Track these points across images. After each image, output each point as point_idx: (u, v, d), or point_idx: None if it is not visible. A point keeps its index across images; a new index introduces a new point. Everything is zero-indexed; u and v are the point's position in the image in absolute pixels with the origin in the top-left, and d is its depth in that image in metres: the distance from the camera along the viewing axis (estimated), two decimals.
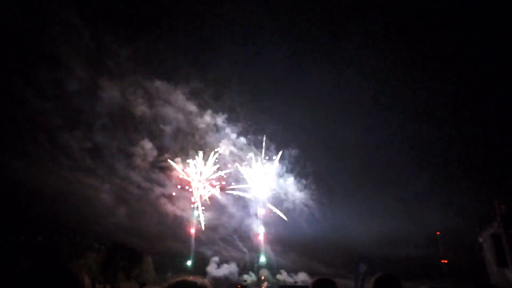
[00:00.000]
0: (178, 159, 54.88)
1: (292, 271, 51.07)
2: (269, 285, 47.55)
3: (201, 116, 56.47)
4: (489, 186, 46.62)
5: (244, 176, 55.68)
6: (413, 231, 51.64)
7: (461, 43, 54.48)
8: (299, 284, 43.69)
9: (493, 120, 53.47)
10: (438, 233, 48.78)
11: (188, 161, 54.93)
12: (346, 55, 62.10)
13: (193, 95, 56.52)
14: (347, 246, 51.32)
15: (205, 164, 55.05)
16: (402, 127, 61.29)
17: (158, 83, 55.42)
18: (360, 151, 61.87)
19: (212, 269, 49.85)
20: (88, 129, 54.26)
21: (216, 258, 52.47)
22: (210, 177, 54.99)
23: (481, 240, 30.00)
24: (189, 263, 52.12)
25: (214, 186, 54.73)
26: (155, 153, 55.10)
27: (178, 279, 1.75)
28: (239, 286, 40.55)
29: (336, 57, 62.30)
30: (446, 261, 43.27)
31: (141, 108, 55.33)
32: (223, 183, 55.21)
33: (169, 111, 56.14)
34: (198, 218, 53.83)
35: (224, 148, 55.70)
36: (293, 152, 56.85)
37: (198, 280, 1.72)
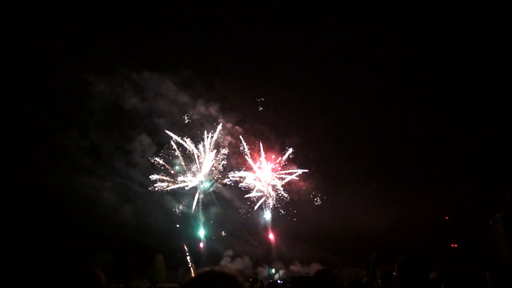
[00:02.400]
0: (177, 153, 54.07)
1: (304, 262, 50.98)
2: (283, 275, 47.73)
3: (194, 106, 55.20)
4: (497, 170, 46.43)
5: (246, 167, 54.90)
6: (421, 218, 51.59)
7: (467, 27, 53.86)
8: (312, 275, 43.85)
9: (499, 104, 53.02)
10: (446, 218, 48.78)
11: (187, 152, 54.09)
12: (346, 36, 60.11)
13: (184, 85, 54.99)
14: (356, 235, 51.39)
15: (204, 156, 54.23)
16: (408, 113, 60.84)
17: (147, 74, 53.94)
18: (364, 138, 61.37)
19: (226, 263, 49.72)
20: (83, 127, 53.44)
21: (229, 252, 52.35)
22: (212, 169, 54.18)
23: (491, 222, 30.03)
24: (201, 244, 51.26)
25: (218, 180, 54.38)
26: (154, 148, 54.26)
27: (206, 269, 1.71)
28: (250, 279, 40.78)
29: (335, 38, 60.33)
30: (456, 245, 43.28)
31: (133, 102, 53.95)
32: (227, 176, 54.60)
33: (161, 104, 54.94)
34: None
35: (221, 138, 54.70)
36: (294, 140, 55.83)
37: (226, 269, 1.71)
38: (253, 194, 54.20)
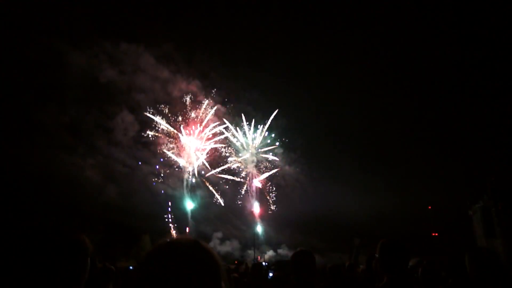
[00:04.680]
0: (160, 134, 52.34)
1: (292, 246, 51.51)
2: (271, 258, 48.45)
3: (174, 83, 52.50)
4: (479, 161, 47.53)
5: (230, 149, 53.84)
6: (405, 207, 52.76)
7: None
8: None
9: (484, 98, 53.81)
10: (429, 208, 49.93)
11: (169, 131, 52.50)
12: (337, 18, 57.87)
13: (163, 60, 52.28)
14: (341, 222, 52.31)
15: (188, 135, 52.78)
16: (395, 103, 61.29)
17: (124, 46, 50.82)
18: (352, 127, 61.60)
19: (216, 245, 49.58)
20: (60, 102, 50.92)
21: (219, 234, 52.02)
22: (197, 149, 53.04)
23: (471, 212, 30.93)
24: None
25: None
26: (136, 127, 52.00)
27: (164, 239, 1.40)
28: (236, 262, 41.46)
29: (326, 17, 57.92)
30: (436, 234, 44.53)
31: (110, 76, 50.47)
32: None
33: (141, 79, 52.06)
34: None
35: (204, 118, 52.74)
36: (280, 122, 54.54)
37: (188, 236, 1.48)
38: (238, 177, 53.90)
